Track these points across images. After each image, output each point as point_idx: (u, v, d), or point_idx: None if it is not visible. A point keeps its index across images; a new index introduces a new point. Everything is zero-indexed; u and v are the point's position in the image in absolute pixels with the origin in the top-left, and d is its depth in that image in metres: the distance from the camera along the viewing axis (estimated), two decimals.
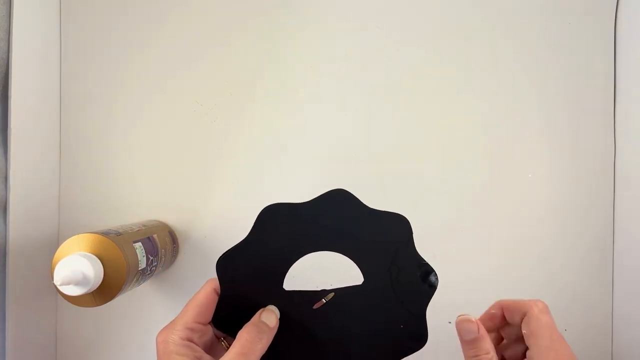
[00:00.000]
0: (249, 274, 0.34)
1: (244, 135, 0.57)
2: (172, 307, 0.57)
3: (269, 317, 0.33)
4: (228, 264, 0.34)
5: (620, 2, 0.56)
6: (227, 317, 0.34)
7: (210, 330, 0.34)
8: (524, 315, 0.33)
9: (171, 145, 0.57)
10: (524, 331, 0.32)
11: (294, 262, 0.34)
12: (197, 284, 0.35)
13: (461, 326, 0.33)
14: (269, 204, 0.34)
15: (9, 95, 0.49)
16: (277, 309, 0.34)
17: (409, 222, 0.36)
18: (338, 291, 0.35)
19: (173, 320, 0.33)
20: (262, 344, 0.31)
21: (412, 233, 0.36)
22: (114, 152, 0.58)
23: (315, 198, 0.34)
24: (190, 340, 0.32)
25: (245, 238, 0.34)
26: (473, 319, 0.33)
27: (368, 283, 0.35)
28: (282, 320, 0.34)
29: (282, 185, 0.57)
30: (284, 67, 0.57)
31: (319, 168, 0.57)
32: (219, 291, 0.34)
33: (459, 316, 0.33)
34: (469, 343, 0.32)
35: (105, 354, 0.57)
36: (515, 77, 0.57)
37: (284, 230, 0.34)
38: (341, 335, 0.35)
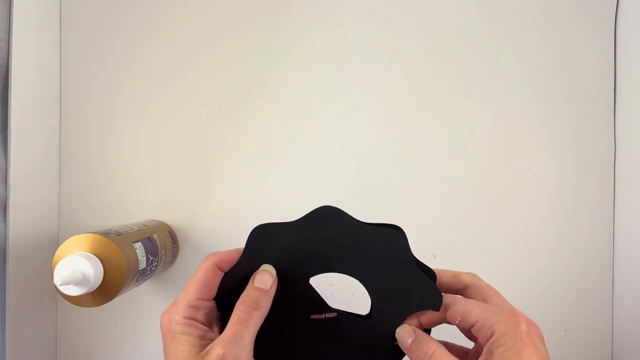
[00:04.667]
0: (274, 257, 0.33)
1: (244, 135, 0.57)
2: None
3: (263, 279, 0.31)
4: (262, 235, 0.33)
5: (620, 2, 0.56)
6: (230, 297, 0.32)
7: (216, 307, 0.33)
8: (444, 311, 0.32)
9: (171, 145, 0.57)
10: (456, 322, 0.32)
11: (322, 270, 0.33)
12: None
13: (400, 336, 0.32)
14: (324, 205, 0.33)
15: (9, 95, 0.49)
16: (272, 267, 0.32)
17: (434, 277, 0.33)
18: (341, 314, 0.33)
19: (176, 299, 0.32)
20: (261, 311, 0.30)
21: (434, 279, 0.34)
22: (114, 152, 0.58)
23: (373, 224, 0.33)
24: (194, 319, 0.31)
25: (289, 222, 0.33)
26: (408, 326, 0.32)
27: (372, 322, 0.33)
28: (282, 323, 0.33)
29: (283, 185, 0.57)
30: (284, 67, 0.57)
31: (319, 168, 0.57)
32: (221, 266, 0.32)
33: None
34: (410, 346, 0.32)
35: (105, 354, 0.57)
36: (515, 77, 0.57)
37: (331, 236, 0.33)
38: (330, 356, 0.33)
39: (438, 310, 0.33)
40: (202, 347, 0.30)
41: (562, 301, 0.56)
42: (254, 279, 0.32)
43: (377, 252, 0.33)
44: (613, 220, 0.56)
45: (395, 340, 0.33)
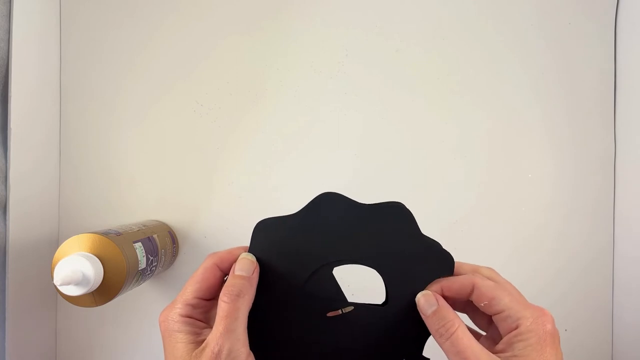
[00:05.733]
0: (279, 251, 0.32)
1: (244, 135, 0.57)
2: None
3: (244, 267, 0.31)
4: (265, 230, 0.32)
5: (620, 2, 0.56)
6: None
7: (215, 305, 0.32)
8: (471, 290, 0.31)
9: (171, 145, 0.57)
10: (481, 305, 0.31)
11: (330, 259, 0.32)
12: None
13: (421, 303, 0.31)
14: (326, 191, 0.32)
15: (9, 95, 0.49)
16: (252, 255, 0.32)
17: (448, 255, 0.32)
18: (358, 306, 0.33)
19: (174, 298, 0.32)
20: (246, 299, 0.30)
21: (452, 267, 0.33)
22: (114, 152, 0.58)
23: (374, 204, 0.32)
24: (191, 316, 0.31)
25: (291, 215, 0.33)
26: (430, 293, 0.31)
27: (390, 307, 0.32)
28: (290, 318, 0.32)
29: (283, 185, 0.57)
30: (284, 67, 0.57)
31: (319, 168, 0.57)
32: (221, 265, 0.32)
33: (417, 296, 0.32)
34: (431, 317, 0.31)
35: (105, 354, 0.57)
36: (515, 77, 0.57)
37: (335, 223, 0.32)
38: (343, 350, 0.33)
39: (452, 274, 0.32)
40: (199, 343, 0.30)
41: (562, 301, 0.56)
42: (234, 268, 0.31)
43: (383, 230, 0.32)
44: (613, 221, 0.56)
45: (416, 320, 0.32)
